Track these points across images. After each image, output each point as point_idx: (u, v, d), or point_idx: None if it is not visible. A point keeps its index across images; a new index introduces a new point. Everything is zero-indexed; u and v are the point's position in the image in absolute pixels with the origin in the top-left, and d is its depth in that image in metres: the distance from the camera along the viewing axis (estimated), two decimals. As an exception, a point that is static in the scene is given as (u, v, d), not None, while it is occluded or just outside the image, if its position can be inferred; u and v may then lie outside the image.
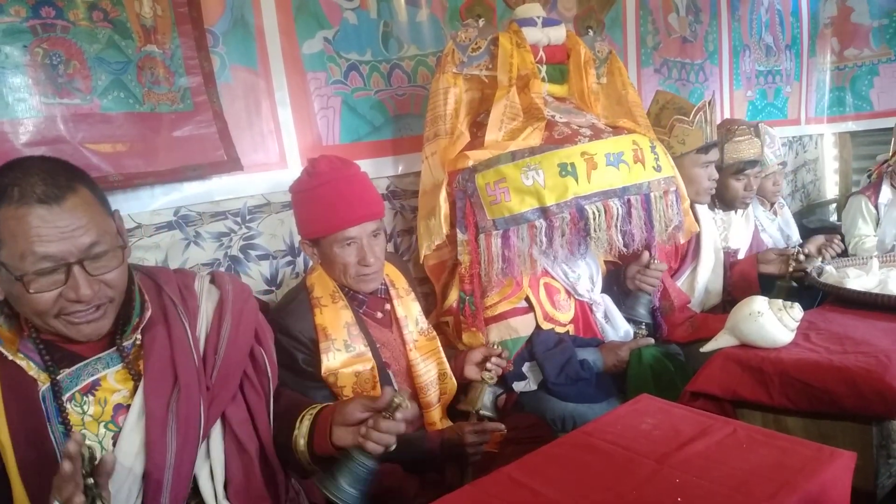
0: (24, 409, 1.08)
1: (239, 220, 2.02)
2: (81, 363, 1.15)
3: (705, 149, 2.32)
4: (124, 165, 1.71)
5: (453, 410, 1.84)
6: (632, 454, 1.16)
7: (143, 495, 1.13)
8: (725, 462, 1.11)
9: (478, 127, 2.00)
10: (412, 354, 1.75)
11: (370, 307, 1.75)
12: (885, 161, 3.44)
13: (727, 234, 2.63)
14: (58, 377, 1.12)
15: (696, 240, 2.46)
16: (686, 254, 2.49)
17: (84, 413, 1.13)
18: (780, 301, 1.63)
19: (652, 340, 2.06)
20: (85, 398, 1.13)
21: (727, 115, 3.97)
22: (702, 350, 1.75)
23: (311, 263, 1.83)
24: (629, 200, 1.85)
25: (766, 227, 2.90)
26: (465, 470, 1.62)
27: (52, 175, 1.07)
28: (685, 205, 2.08)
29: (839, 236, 2.66)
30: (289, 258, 2.14)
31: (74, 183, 1.09)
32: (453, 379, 1.81)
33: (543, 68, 2.02)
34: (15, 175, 1.05)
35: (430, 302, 2.19)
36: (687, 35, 3.65)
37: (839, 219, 4.19)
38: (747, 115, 4.13)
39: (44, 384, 1.11)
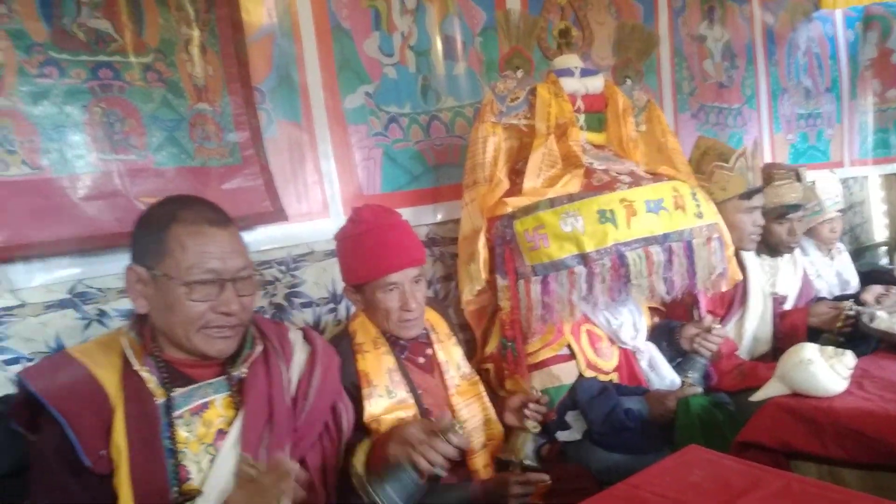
0: (141, 418, 1.16)
1: (283, 268, 2.06)
2: (195, 385, 1.24)
3: (748, 195, 2.29)
4: (176, 217, 1.78)
5: (498, 461, 1.81)
6: (681, 507, 1.13)
7: None
8: (780, 516, 1.07)
9: (516, 174, 2.03)
10: (454, 399, 1.74)
11: (412, 352, 1.76)
12: None
13: (775, 279, 2.57)
14: (172, 394, 1.20)
15: (742, 286, 2.42)
16: (733, 300, 2.44)
17: (191, 432, 1.21)
18: (832, 348, 1.58)
19: (700, 389, 2.00)
20: (193, 419, 1.22)
21: (768, 159, 3.93)
22: (751, 399, 1.70)
23: (352, 310, 1.86)
24: (671, 247, 1.84)
25: (823, 272, 2.83)
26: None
27: (214, 206, 1.28)
28: (729, 252, 2.05)
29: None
30: (331, 305, 2.17)
31: (228, 216, 1.29)
32: (499, 424, 1.79)
33: (582, 117, 2.05)
34: (181, 203, 1.25)
35: (471, 349, 2.19)
36: (723, 80, 3.66)
37: (891, 262, 4.07)
38: (789, 159, 4.08)
39: (160, 399, 1.20)
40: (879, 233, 4.85)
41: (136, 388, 1.20)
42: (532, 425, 1.72)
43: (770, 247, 2.61)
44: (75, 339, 1.70)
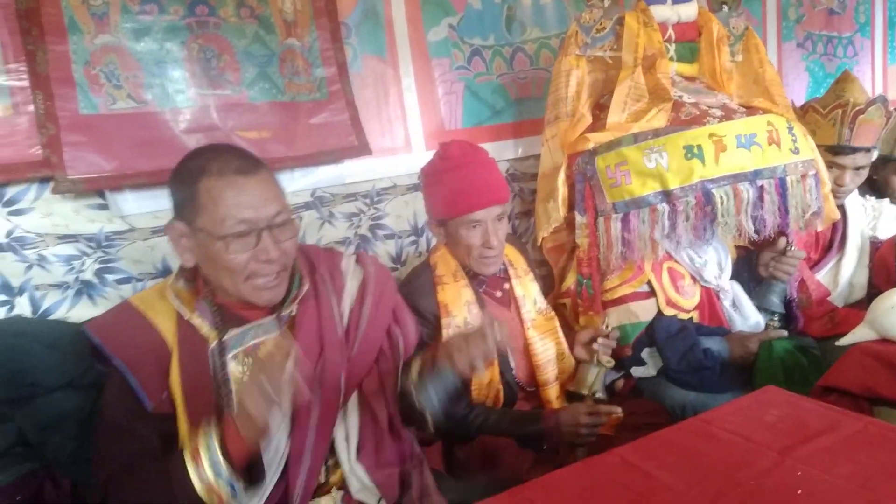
0: (194, 362, 1.23)
1: (368, 201, 2.13)
2: (247, 326, 1.28)
3: (835, 149, 2.13)
4: (268, 150, 1.85)
5: (569, 394, 1.85)
6: (753, 444, 1.14)
7: (289, 453, 1.24)
8: (852, 458, 1.06)
9: (601, 109, 1.99)
10: (530, 333, 1.79)
11: (490, 286, 1.80)
12: None
13: (876, 223, 2.42)
14: (224, 337, 1.26)
15: (842, 228, 2.30)
16: (830, 244, 2.33)
17: (244, 372, 1.25)
18: (929, 294, 1.51)
19: (785, 333, 1.96)
20: (246, 359, 1.26)
21: (879, 92, 3.64)
22: (838, 344, 1.66)
23: (433, 243, 1.90)
24: (761, 184, 1.77)
25: None
26: (578, 450, 1.64)
27: (242, 153, 1.25)
28: (825, 189, 1.95)
29: None
30: (413, 238, 2.23)
31: (259, 161, 1.26)
32: (572, 358, 1.82)
33: (672, 47, 1.97)
34: (209, 155, 1.23)
35: (548, 284, 2.21)
36: (834, 6, 3.37)
37: None
38: (905, 93, 3.76)
39: (213, 342, 1.25)
40: None
41: (190, 333, 1.24)
42: (606, 360, 1.75)
43: (882, 193, 2.45)
44: (178, 262, 1.83)
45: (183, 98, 1.76)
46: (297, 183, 1.98)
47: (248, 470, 1.15)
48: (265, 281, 1.24)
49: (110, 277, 1.74)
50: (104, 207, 1.72)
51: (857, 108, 2.08)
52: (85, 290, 1.71)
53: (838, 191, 2.19)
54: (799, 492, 1.00)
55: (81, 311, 1.70)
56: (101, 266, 1.73)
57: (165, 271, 1.81)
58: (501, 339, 1.24)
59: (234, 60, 1.82)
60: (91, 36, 1.61)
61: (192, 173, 1.21)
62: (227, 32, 1.80)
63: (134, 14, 1.67)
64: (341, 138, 2.00)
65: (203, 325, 1.26)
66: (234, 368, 1.25)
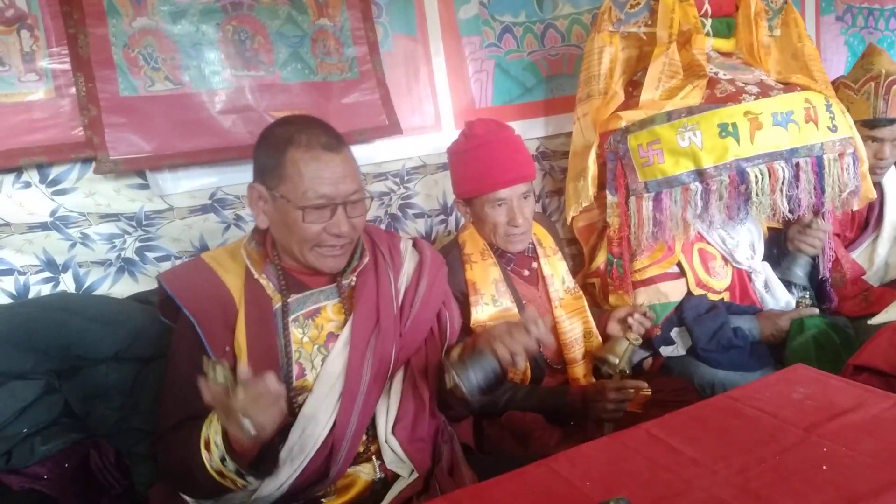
0: (260, 320, 1.29)
1: (398, 180, 2.16)
2: (308, 292, 1.36)
3: (871, 124, 2.08)
4: (300, 130, 1.89)
5: (595, 365, 1.86)
6: (779, 421, 1.14)
7: (337, 414, 1.29)
8: (879, 435, 1.06)
9: (634, 86, 1.97)
10: (557, 312, 1.80)
11: (518, 265, 1.81)
12: None
13: (916, 201, 2.37)
14: (288, 300, 1.33)
15: (879, 206, 2.25)
16: (866, 223, 2.29)
17: (304, 334, 1.33)
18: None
19: (816, 311, 1.94)
20: (307, 322, 1.34)
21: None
22: (870, 322, 1.64)
23: (462, 222, 1.92)
24: (798, 163, 1.74)
25: None
26: (605, 426, 1.65)
27: (329, 130, 1.31)
28: (863, 168, 1.91)
29: None
30: (442, 217, 2.26)
31: (342, 140, 1.32)
32: (599, 338, 1.83)
33: (708, 22, 1.94)
34: (298, 126, 1.28)
35: (578, 263, 2.22)
36: (878, -24, 3.26)
37: None
38: (953, 68, 3.62)
39: (277, 304, 1.31)
40: None
41: (256, 293, 1.31)
42: (634, 337, 1.75)
43: None
44: (216, 240, 1.89)
45: (218, 79, 1.80)
46: (329, 163, 2.01)
47: (260, 460, 1.17)
48: (331, 250, 1.31)
49: (150, 255, 1.81)
50: (144, 187, 1.78)
51: (890, 78, 2.05)
52: (126, 267, 1.78)
53: (878, 165, 2.15)
54: (824, 467, 1.00)
55: (123, 288, 1.77)
56: (142, 244, 1.79)
57: (202, 249, 1.86)
58: (543, 335, 1.27)
59: (267, 41, 1.85)
60: (129, 19, 1.66)
61: (281, 142, 1.26)
62: (260, 14, 1.83)
63: (170, -3, 1.70)
64: (372, 118, 2.02)
65: (269, 286, 1.32)
66: (295, 331, 1.32)
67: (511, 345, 1.25)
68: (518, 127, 1.91)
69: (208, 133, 1.79)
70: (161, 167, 1.76)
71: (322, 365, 1.31)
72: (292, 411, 1.27)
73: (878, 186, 2.21)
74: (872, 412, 1.14)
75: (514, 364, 1.26)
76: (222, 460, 1.12)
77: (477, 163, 1.70)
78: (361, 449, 1.35)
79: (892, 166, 2.26)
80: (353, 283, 1.39)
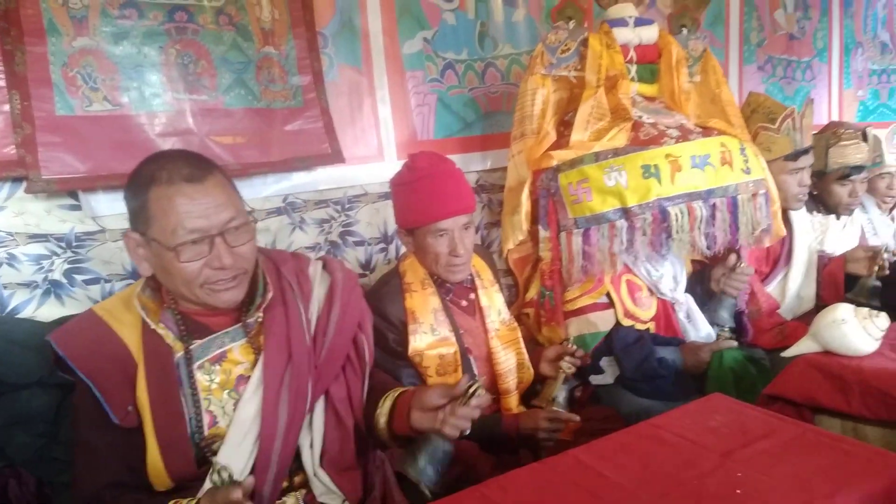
0: (161, 373, 1.22)
1: (339, 208, 2.18)
2: (211, 336, 1.28)
3: (793, 156, 2.26)
4: (242, 156, 1.89)
5: (529, 402, 1.91)
6: (698, 447, 1.21)
7: (255, 459, 1.25)
8: (788, 461, 1.14)
9: (565, 125, 2.07)
10: (493, 342, 1.85)
11: (456, 295, 1.86)
12: None
13: (823, 238, 2.56)
14: (191, 347, 1.25)
15: (788, 243, 2.42)
16: (778, 258, 2.45)
17: (212, 380, 1.26)
18: (866, 310, 1.61)
19: (735, 343, 2.06)
20: (213, 367, 1.27)
21: (835, 116, 3.81)
22: (783, 355, 1.75)
23: (402, 251, 1.95)
24: (714, 203, 1.87)
25: (880, 231, 2.77)
26: (537, 454, 1.70)
27: (192, 160, 1.23)
28: (774, 207, 2.06)
29: None
30: (382, 245, 2.29)
31: (211, 166, 1.24)
32: (531, 369, 1.89)
33: (634, 68, 2.06)
34: (159, 162, 1.21)
35: (513, 293, 2.28)
36: (794, 32, 3.54)
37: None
38: (857, 116, 3.94)
39: (178, 352, 1.24)
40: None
41: (154, 344, 1.23)
42: (567, 366, 1.81)
43: (827, 207, 2.58)
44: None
45: (159, 102, 1.79)
46: (270, 188, 2.02)
47: None
48: (223, 284, 1.24)
49: (79, 278, 1.76)
50: (76, 208, 1.74)
51: (798, 112, 2.24)
52: (53, 289, 1.72)
53: (801, 192, 2.34)
54: (738, 491, 1.07)
55: (49, 311, 1.71)
56: (71, 266, 1.74)
57: (134, 273, 1.82)
58: (484, 401, 1.28)
59: (211, 66, 1.86)
60: (70, 38, 1.64)
61: (143, 182, 1.19)
62: (205, 39, 1.84)
63: (113, 18, 1.70)
64: (315, 145, 2.04)
65: (168, 335, 1.25)
66: (201, 378, 1.26)
67: (457, 423, 1.25)
68: (458, 160, 1.97)
69: (146, 155, 1.76)
70: (95, 188, 1.73)
71: (234, 410, 1.25)
72: (205, 461, 1.23)
73: (788, 224, 2.38)
74: (784, 439, 1.23)
75: (462, 435, 1.27)
76: None
77: (420, 194, 1.74)
78: (285, 484, 1.32)
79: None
80: (259, 320, 1.32)
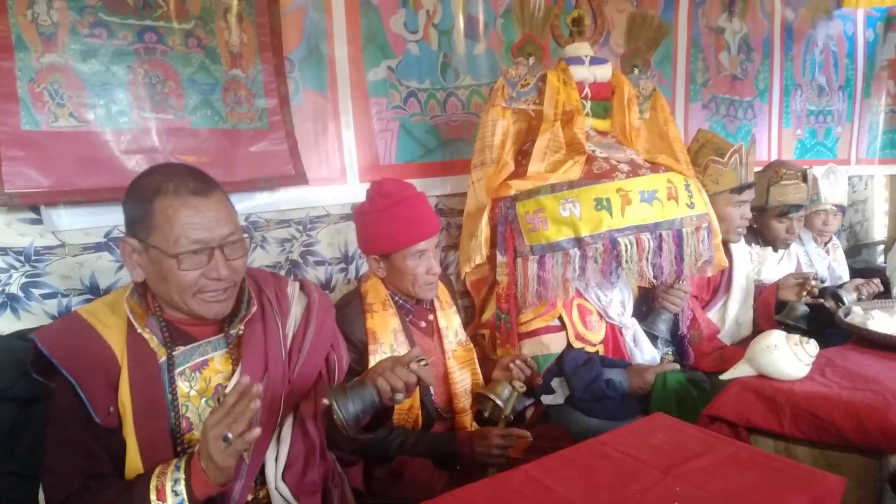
0: (144, 375, 1.26)
1: (301, 228, 2.22)
2: (195, 344, 1.33)
3: (739, 189, 2.41)
4: (206, 175, 1.92)
5: (481, 420, 1.97)
6: (640, 463, 1.29)
7: None
8: (723, 477, 1.23)
9: (523, 155, 2.16)
10: (450, 363, 1.91)
11: (416, 316, 1.91)
12: None
13: (761, 268, 2.72)
14: (174, 353, 1.30)
15: (728, 273, 2.56)
16: (718, 286, 2.59)
17: (191, 387, 1.31)
18: (797, 336, 1.72)
19: (677, 366, 2.16)
20: (194, 374, 1.32)
21: (774, 153, 4.03)
22: (721, 378, 1.85)
23: (362, 271, 2.00)
24: (661, 235, 1.98)
25: (816, 263, 2.94)
26: (489, 470, 1.76)
27: (197, 174, 1.29)
28: (716, 240, 2.19)
29: (878, 279, 2.69)
30: (342, 265, 2.33)
31: (214, 183, 1.31)
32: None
33: (588, 104, 2.17)
34: (165, 174, 1.26)
35: (469, 315, 2.35)
36: (737, 73, 3.74)
37: (885, 260, 4.18)
38: (795, 154, 4.17)
39: (162, 357, 1.29)
40: (879, 231, 4.95)
41: (139, 347, 1.27)
42: (519, 385, 1.88)
43: (766, 241, 2.74)
44: (108, 279, 1.86)
45: (125, 120, 1.81)
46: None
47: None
48: (214, 295, 1.29)
49: (36, 292, 1.75)
50: (36, 222, 1.74)
51: (744, 149, 2.38)
52: (9, 302, 1.71)
53: (743, 224, 2.48)
54: (676, 504, 1.15)
55: (4, 324, 1.70)
56: (28, 280, 1.74)
57: (92, 288, 1.82)
58: (424, 373, 1.33)
59: (178, 87, 1.89)
60: (38, 54, 1.65)
61: (148, 192, 1.24)
62: (173, 60, 1.87)
63: (83, 36, 1.72)
64: (279, 167, 2.08)
65: (153, 339, 1.29)
66: (181, 384, 1.29)
67: (392, 379, 1.30)
68: (419, 184, 2.03)
69: (110, 172, 1.78)
70: (57, 203, 1.73)
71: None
72: None
73: (728, 254, 2.52)
74: (719, 456, 1.31)
75: (393, 399, 1.31)
76: None
77: (396, 219, 1.80)
78: (250, 497, 1.35)
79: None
80: (240, 332, 1.38)
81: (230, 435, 1.09)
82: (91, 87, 1.75)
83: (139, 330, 1.29)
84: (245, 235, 1.33)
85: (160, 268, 1.25)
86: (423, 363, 1.34)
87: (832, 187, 3.00)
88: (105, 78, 1.77)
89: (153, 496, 1.14)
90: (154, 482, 1.15)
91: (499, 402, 1.83)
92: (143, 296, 1.34)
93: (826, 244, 3.11)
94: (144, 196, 1.24)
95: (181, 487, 1.14)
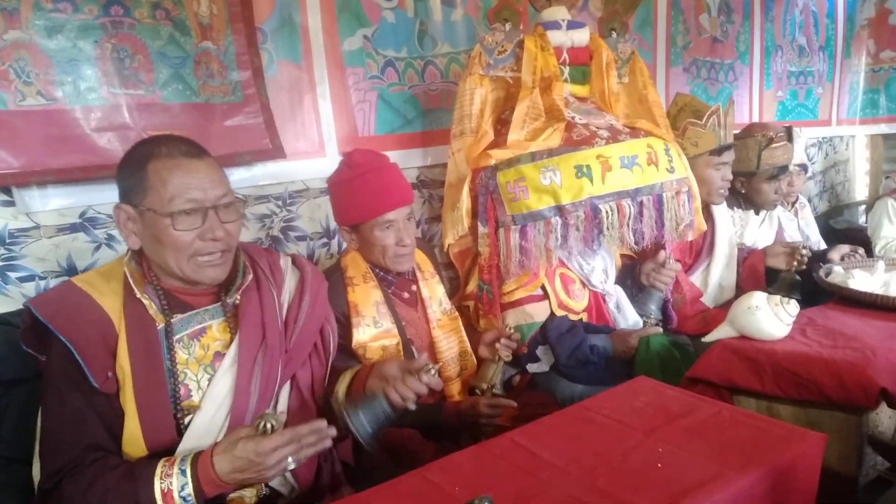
0: (143, 340, 1.27)
1: (280, 203, 2.19)
2: (193, 311, 1.35)
3: (718, 151, 2.41)
4: (181, 151, 1.88)
5: (471, 388, 1.98)
6: (623, 426, 1.31)
7: (225, 433, 1.29)
8: (705, 437, 1.24)
9: (502, 124, 2.14)
10: (435, 332, 1.91)
11: (398, 287, 1.91)
12: None
13: (743, 231, 2.73)
14: (172, 320, 1.31)
15: (710, 236, 2.57)
16: (701, 250, 2.60)
17: (189, 354, 1.32)
18: (778, 297, 1.74)
19: (660, 329, 2.18)
20: (192, 342, 1.33)
21: (756, 115, 4.03)
22: (703, 340, 1.87)
23: (344, 245, 1.99)
24: (641, 201, 1.97)
25: (786, 226, 2.96)
26: (478, 439, 1.77)
27: (189, 140, 1.32)
28: (696, 204, 2.19)
29: (862, 248, 2.70)
30: (324, 240, 2.31)
31: (203, 148, 1.33)
32: (473, 357, 1.96)
33: (566, 70, 2.14)
34: (157, 141, 1.30)
35: (454, 286, 2.34)
36: (718, 35, 3.71)
37: (867, 220, 4.22)
38: (777, 116, 4.17)
39: (160, 324, 1.30)
40: (860, 192, 4.99)
41: (137, 314, 1.28)
42: (505, 354, 1.89)
43: (752, 204, 2.75)
44: (85, 260, 1.83)
45: (95, 96, 1.76)
46: (210, 184, 2.01)
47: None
48: (209, 259, 1.30)
49: (13, 275, 1.72)
50: (9, 204, 1.71)
51: (721, 111, 2.37)
52: (-15, 287, 1.69)
53: (724, 186, 2.48)
54: (659, 465, 1.16)
55: (-20, 309, 1.68)
56: (4, 264, 1.71)
57: (70, 270, 1.80)
58: (434, 381, 1.36)
59: (147, 61, 1.84)
60: (1, 31, 1.60)
61: (141, 157, 1.26)
62: (141, 33, 1.82)
63: (47, 11, 1.66)
64: (255, 141, 2.04)
65: (152, 306, 1.30)
66: (180, 351, 1.30)
67: (404, 392, 1.33)
68: (399, 156, 2.02)
69: (81, 150, 1.74)
70: (29, 184, 1.70)
71: (209, 385, 1.31)
72: (179, 431, 1.27)
73: (710, 218, 2.53)
74: (701, 417, 1.33)
75: (405, 407, 1.34)
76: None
77: (364, 189, 1.79)
78: None
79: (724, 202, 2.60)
80: (237, 302, 1.39)
81: (293, 462, 1.16)
82: (58, 64, 1.70)
83: (138, 295, 1.29)
84: (239, 200, 1.36)
85: (155, 230, 1.26)
86: (431, 372, 1.37)
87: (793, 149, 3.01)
88: (72, 54, 1.72)
89: (157, 483, 1.15)
90: (157, 484, 1.16)
91: (495, 390, 1.85)
92: (140, 264, 1.35)
93: (793, 205, 3.13)
94: (137, 162, 1.26)
95: (188, 478, 1.16)
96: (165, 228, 1.25)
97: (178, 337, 1.31)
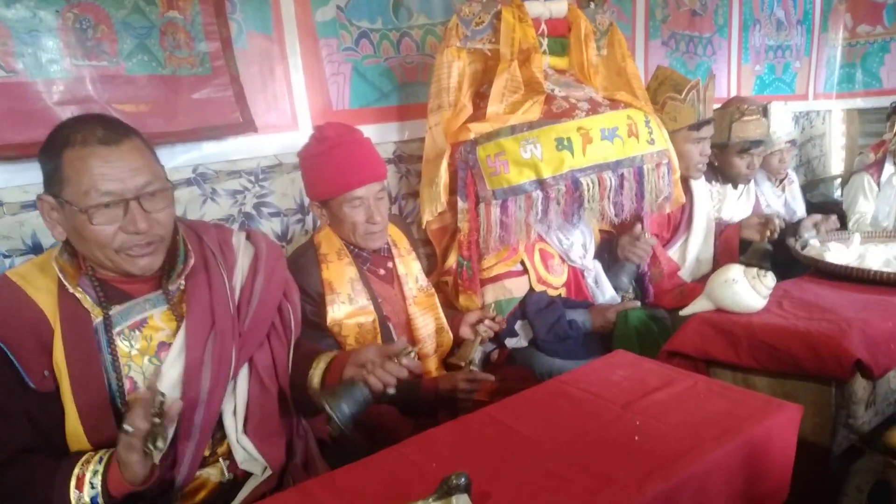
0: (79, 337, 1.21)
1: (252, 178, 2.14)
2: (132, 301, 1.28)
3: (697, 126, 2.39)
4: (147, 124, 1.82)
5: (448, 365, 1.98)
6: (600, 400, 1.30)
7: (178, 424, 1.24)
8: (682, 409, 1.24)
9: (480, 97, 2.10)
10: (412, 309, 1.89)
11: (373, 264, 1.88)
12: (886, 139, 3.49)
13: (721, 206, 2.73)
14: (110, 312, 1.24)
15: (688, 210, 2.57)
16: (679, 224, 2.60)
17: (132, 347, 1.26)
18: (755, 270, 1.74)
19: (638, 304, 2.18)
20: (133, 333, 1.26)
21: (734, 89, 4.03)
22: (681, 314, 1.87)
23: (318, 223, 1.95)
24: (622, 173, 1.96)
25: (772, 202, 2.97)
26: (455, 415, 1.76)
27: (109, 123, 1.22)
28: (675, 176, 2.18)
29: (836, 216, 2.73)
30: (298, 216, 2.27)
31: (128, 130, 1.23)
32: (450, 333, 1.94)
33: (545, 41, 2.11)
34: (75, 125, 1.19)
35: (432, 263, 2.32)
36: (696, 8, 3.69)
37: (843, 195, 4.25)
38: (754, 90, 4.17)
39: (97, 318, 1.23)
40: (836, 166, 5.03)
41: (72, 308, 1.21)
42: (485, 331, 1.88)
43: (727, 178, 2.75)
44: (51, 238, 1.76)
45: (57, 68, 1.70)
46: (178, 159, 1.96)
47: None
48: (137, 250, 1.23)
49: (-25, 254, 1.67)
50: (-31, 180, 1.65)
51: (701, 85, 2.36)
52: (-54, 266, 1.64)
53: (702, 161, 2.47)
54: (636, 438, 1.16)
55: (-58, 289, 1.62)
56: (-35, 242, 1.66)
57: (35, 248, 1.75)
58: (414, 364, 1.32)
59: (111, 31, 1.78)
60: (-46, 0, 1.53)
61: (57, 144, 1.18)
62: (104, 2, 1.75)
63: (3, -21, 1.59)
64: (225, 114, 1.99)
65: (87, 299, 1.24)
66: (121, 344, 1.25)
67: (383, 377, 1.29)
68: (375, 131, 1.97)
69: (44, 125, 1.63)
70: (-11, 160, 1.64)
71: (156, 378, 1.26)
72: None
73: (688, 193, 2.53)
74: (678, 389, 1.33)
75: (385, 392, 1.30)
76: (92, 500, 1.11)
77: (332, 164, 1.75)
78: (208, 452, 1.33)
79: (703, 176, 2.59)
80: (182, 288, 1.32)
81: (129, 427, 1.06)
82: (17, 35, 1.64)
83: (70, 290, 1.23)
84: (169, 185, 1.26)
85: (75, 224, 1.19)
86: (410, 354, 1.33)
87: (781, 124, 3.01)
88: (32, 24, 1.65)
89: (73, 483, 1.12)
90: (77, 470, 1.13)
91: (473, 366, 1.84)
92: (74, 255, 1.28)
93: (781, 181, 3.14)
94: (54, 149, 1.18)
95: (98, 478, 1.11)
96: (84, 223, 1.17)
97: (118, 329, 1.25)
